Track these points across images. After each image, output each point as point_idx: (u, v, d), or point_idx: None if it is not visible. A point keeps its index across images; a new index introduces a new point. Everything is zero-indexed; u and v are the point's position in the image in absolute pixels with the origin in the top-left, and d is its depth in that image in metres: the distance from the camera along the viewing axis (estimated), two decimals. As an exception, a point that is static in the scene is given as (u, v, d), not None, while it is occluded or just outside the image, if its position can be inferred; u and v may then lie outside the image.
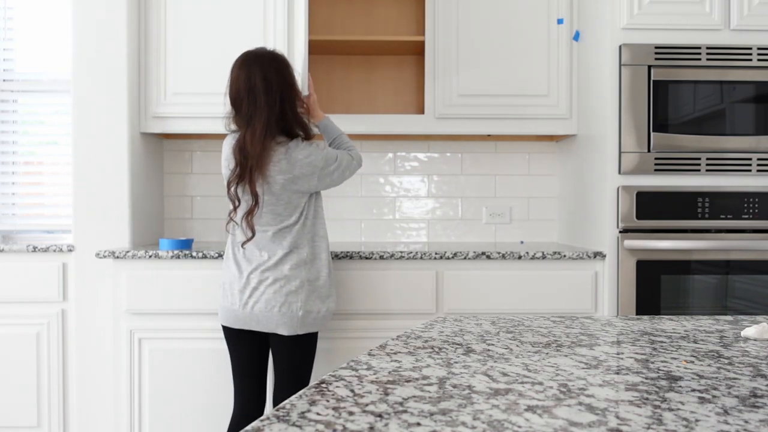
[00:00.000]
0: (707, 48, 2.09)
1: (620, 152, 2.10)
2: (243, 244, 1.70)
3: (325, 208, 2.71)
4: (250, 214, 1.66)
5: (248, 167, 1.63)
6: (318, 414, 0.55)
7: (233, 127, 1.74)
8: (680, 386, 0.64)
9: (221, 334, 2.08)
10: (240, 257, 1.73)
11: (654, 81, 2.08)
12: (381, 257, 2.10)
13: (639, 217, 2.09)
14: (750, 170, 2.10)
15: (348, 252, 2.10)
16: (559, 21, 2.40)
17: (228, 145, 1.74)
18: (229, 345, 1.80)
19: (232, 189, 1.67)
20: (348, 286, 2.10)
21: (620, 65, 2.10)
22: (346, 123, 2.40)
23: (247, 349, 1.78)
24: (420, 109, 2.64)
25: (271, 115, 1.65)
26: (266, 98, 1.64)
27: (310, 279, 1.72)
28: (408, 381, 0.66)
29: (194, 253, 2.07)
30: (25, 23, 2.66)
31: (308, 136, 1.75)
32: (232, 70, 1.71)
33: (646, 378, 0.67)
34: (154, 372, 2.09)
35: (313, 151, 1.71)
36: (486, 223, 2.72)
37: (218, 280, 2.08)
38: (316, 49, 2.55)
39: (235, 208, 1.70)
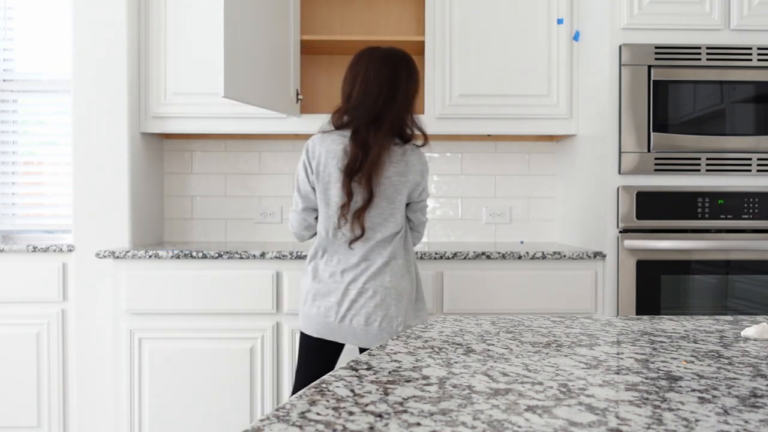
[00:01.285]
0: (707, 48, 2.09)
1: (620, 152, 2.10)
2: (351, 243, 1.61)
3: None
4: (362, 210, 1.58)
5: (367, 163, 1.56)
6: (318, 414, 0.55)
7: (345, 119, 1.64)
8: (680, 386, 0.64)
9: (221, 334, 2.09)
10: (334, 264, 1.64)
11: (654, 81, 2.08)
12: (381, 257, 2.09)
13: (639, 217, 2.09)
14: (750, 170, 2.10)
15: (348, 252, 2.09)
16: (559, 21, 2.40)
17: (336, 141, 1.62)
18: (308, 353, 1.68)
19: (349, 183, 1.58)
20: (348, 286, 2.10)
21: (620, 65, 2.10)
22: (346, 123, 2.40)
23: (327, 359, 1.68)
24: (420, 109, 2.63)
25: (399, 115, 1.63)
26: (399, 97, 1.62)
27: (408, 292, 1.65)
28: (408, 381, 0.66)
29: (194, 253, 2.07)
30: (25, 23, 2.66)
31: (425, 142, 1.70)
32: (360, 64, 1.65)
33: (646, 378, 0.67)
34: (154, 372, 2.09)
35: (424, 160, 1.68)
36: (486, 223, 2.72)
37: (220, 281, 2.08)
38: (315, 49, 2.55)
39: (348, 203, 1.59)
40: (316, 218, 1.71)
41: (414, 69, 1.68)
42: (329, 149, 1.62)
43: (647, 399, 0.59)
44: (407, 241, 1.70)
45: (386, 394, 0.61)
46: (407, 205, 1.70)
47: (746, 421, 0.53)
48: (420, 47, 2.46)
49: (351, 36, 2.46)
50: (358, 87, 1.63)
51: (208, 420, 2.09)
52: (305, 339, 1.69)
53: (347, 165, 1.58)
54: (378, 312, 1.59)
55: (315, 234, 1.73)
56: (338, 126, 1.65)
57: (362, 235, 1.60)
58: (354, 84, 1.64)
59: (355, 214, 1.59)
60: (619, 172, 2.11)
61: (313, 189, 1.66)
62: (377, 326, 1.59)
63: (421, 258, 2.10)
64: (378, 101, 1.61)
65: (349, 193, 1.58)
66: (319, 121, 2.36)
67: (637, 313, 2.09)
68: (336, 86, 2.68)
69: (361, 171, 1.57)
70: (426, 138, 1.70)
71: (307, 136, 2.61)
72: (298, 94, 2.35)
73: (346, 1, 2.66)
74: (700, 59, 2.09)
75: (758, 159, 2.10)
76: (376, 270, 1.61)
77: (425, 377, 0.67)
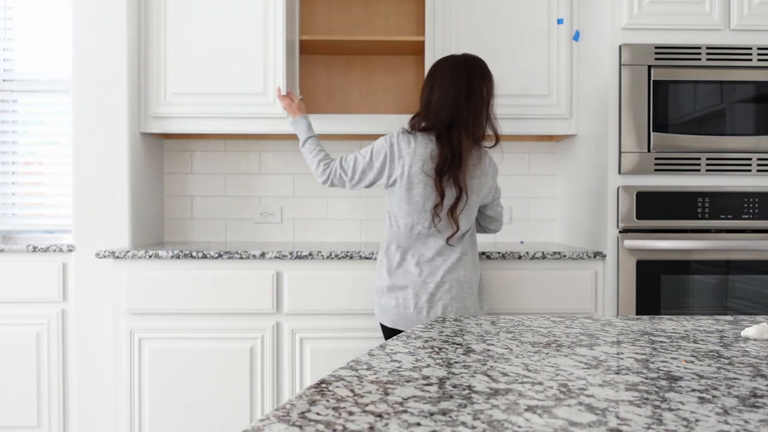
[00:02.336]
0: (707, 48, 2.09)
1: (620, 152, 2.10)
2: (448, 239, 1.71)
3: (325, 208, 2.72)
4: (454, 208, 1.69)
5: (454, 163, 1.67)
6: (318, 414, 0.55)
7: (425, 123, 1.73)
8: (680, 386, 0.64)
9: (221, 334, 2.09)
10: (411, 258, 1.73)
11: (654, 81, 2.08)
12: (381, 257, 2.09)
13: (639, 217, 2.09)
14: (750, 170, 2.10)
15: (348, 252, 2.10)
16: (559, 21, 2.40)
17: (422, 144, 1.70)
18: None
19: (443, 180, 1.68)
20: (348, 286, 2.10)
21: (620, 65, 2.10)
22: (346, 123, 2.40)
23: None
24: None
25: (477, 115, 1.70)
26: (475, 98, 1.70)
27: (478, 284, 1.78)
28: (408, 381, 0.65)
29: (194, 253, 2.07)
30: (25, 23, 2.66)
31: (496, 142, 1.78)
32: (437, 70, 1.75)
33: (646, 378, 0.67)
34: (154, 372, 2.09)
35: (495, 163, 1.79)
36: (486, 223, 2.72)
37: (220, 281, 2.08)
38: (315, 49, 2.55)
39: (441, 202, 1.68)
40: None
41: (487, 71, 1.76)
42: (416, 151, 1.70)
43: (647, 399, 0.59)
44: (475, 236, 1.83)
45: (386, 394, 0.61)
46: (483, 205, 1.83)
47: (746, 421, 0.53)
48: (420, 47, 2.46)
49: (351, 36, 2.45)
50: (438, 91, 1.71)
51: (208, 420, 2.09)
52: (385, 330, 1.82)
53: (438, 165, 1.67)
54: (454, 304, 1.71)
55: (327, 183, 1.85)
56: (420, 129, 1.74)
57: (457, 230, 1.70)
58: (432, 89, 1.73)
59: (449, 211, 1.69)
60: (619, 172, 2.11)
61: (375, 180, 1.77)
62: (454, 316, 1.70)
63: (421, 258, 2.10)
64: (457, 103, 1.69)
65: (441, 193, 1.67)
66: (320, 120, 2.37)
67: (637, 313, 2.09)
68: (336, 86, 2.68)
69: (450, 171, 1.67)
70: (497, 138, 1.77)
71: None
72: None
73: (346, 1, 2.66)
74: (700, 59, 2.09)
75: (758, 159, 2.10)
76: (452, 264, 1.72)
77: (425, 377, 0.67)
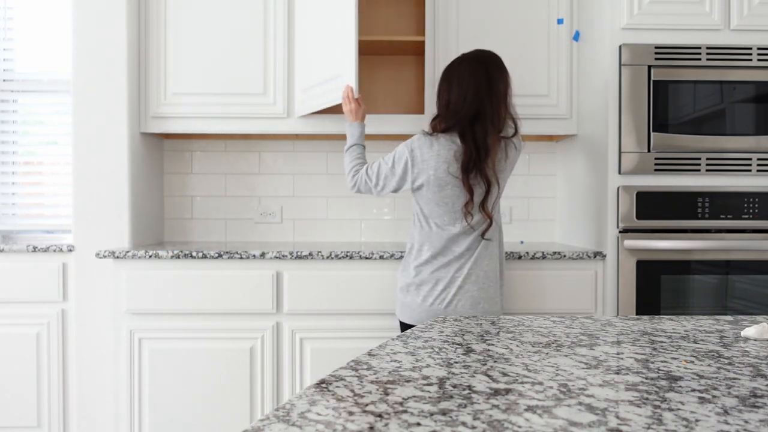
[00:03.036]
0: (707, 48, 2.09)
1: (620, 152, 2.10)
2: (483, 234, 1.72)
3: (325, 208, 2.71)
4: (485, 201, 1.70)
5: (480, 158, 1.67)
6: (318, 414, 0.55)
7: (446, 124, 1.73)
8: (680, 386, 0.64)
9: (221, 334, 2.09)
10: (440, 255, 1.74)
11: (654, 81, 2.08)
12: (381, 257, 2.09)
13: (639, 217, 2.09)
14: (750, 170, 2.10)
15: (348, 252, 2.09)
16: (559, 21, 2.40)
17: (445, 146, 1.71)
18: None
19: (471, 175, 1.69)
20: (348, 286, 2.10)
21: (620, 65, 2.10)
22: (346, 123, 2.40)
23: None
24: (420, 109, 2.64)
25: (498, 108, 1.71)
26: (495, 91, 1.70)
27: (502, 274, 1.80)
28: (408, 381, 0.65)
29: (194, 253, 2.07)
30: (25, 23, 2.66)
31: (515, 133, 1.78)
32: (452, 71, 1.75)
33: (646, 378, 0.67)
34: (154, 372, 2.09)
35: (519, 148, 1.79)
36: (486, 223, 2.72)
37: (220, 281, 2.08)
38: None
39: (471, 199, 1.69)
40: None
41: (502, 64, 1.77)
42: (440, 154, 1.71)
43: (647, 399, 0.59)
44: (501, 227, 1.83)
45: (386, 394, 0.61)
46: None
47: (746, 421, 0.53)
48: (420, 47, 2.46)
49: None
50: (456, 89, 1.72)
51: (208, 420, 2.09)
52: (405, 327, 1.81)
53: (463, 164, 1.67)
54: (481, 295, 1.72)
55: (354, 189, 1.88)
56: (442, 131, 1.73)
57: (491, 223, 1.72)
58: (451, 88, 1.73)
59: (480, 206, 1.71)
60: (619, 172, 2.11)
61: (399, 186, 1.79)
62: (481, 308, 1.72)
63: (421, 258, 2.10)
64: (478, 96, 1.69)
65: (470, 191, 1.68)
66: (317, 120, 2.37)
67: (637, 313, 2.09)
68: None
69: (476, 167, 1.67)
70: (517, 130, 1.78)
71: (306, 136, 2.61)
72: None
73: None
74: (700, 59, 2.09)
75: (758, 159, 2.10)
76: (478, 256, 1.73)
77: (425, 377, 0.67)
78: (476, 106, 1.69)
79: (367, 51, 2.60)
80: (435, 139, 1.72)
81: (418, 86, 2.67)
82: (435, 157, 1.71)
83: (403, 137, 2.64)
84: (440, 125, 1.74)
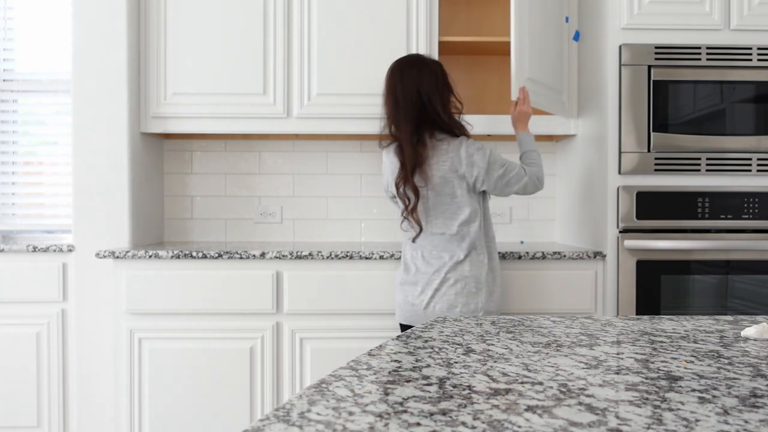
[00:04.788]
0: (707, 48, 2.09)
1: (620, 152, 2.10)
2: (414, 239, 1.78)
3: (325, 208, 2.71)
4: (413, 210, 1.74)
5: (407, 167, 1.72)
6: (318, 414, 0.55)
7: (391, 131, 1.79)
8: (680, 386, 0.64)
9: (221, 334, 2.09)
10: (418, 259, 1.78)
11: (654, 81, 2.08)
12: (381, 257, 2.09)
13: (639, 217, 2.09)
14: (750, 170, 2.10)
15: (348, 252, 2.09)
16: (566, 20, 2.38)
17: (391, 155, 1.80)
18: None
19: (401, 189, 1.75)
20: (348, 286, 2.10)
21: (620, 65, 2.10)
22: (346, 124, 2.40)
23: None
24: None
25: (435, 113, 1.73)
26: (428, 97, 1.73)
27: (488, 280, 1.77)
28: (408, 381, 0.65)
29: (194, 253, 2.07)
30: (25, 23, 2.66)
31: (462, 134, 1.78)
32: (388, 80, 1.79)
33: (646, 378, 0.67)
34: (154, 372, 2.09)
35: (476, 151, 1.74)
36: (486, 223, 2.72)
37: (220, 281, 2.08)
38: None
39: (406, 207, 1.76)
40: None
41: (421, 62, 1.78)
42: (389, 163, 1.81)
43: (647, 399, 0.59)
44: (488, 230, 1.82)
45: (386, 394, 0.61)
46: (484, 192, 1.81)
47: (746, 421, 0.53)
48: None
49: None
50: (391, 101, 1.76)
51: (208, 420, 2.09)
52: (402, 328, 1.86)
53: (397, 176, 1.76)
54: (459, 299, 1.72)
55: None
56: (392, 140, 1.80)
57: (420, 231, 1.76)
58: (389, 98, 1.78)
59: (409, 212, 1.76)
60: (619, 172, 2.11)
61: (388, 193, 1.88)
62: (458, 311, 1.72)
63: (421, 258, 2.10)
64: (416, 105, 1.73)
65: (402, 197, 1.75)
66: (317, 120, 2.36)
67: (637, 313, 2.09)
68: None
69: (407, 176, 1.72)
70: (462, 131, 1.79)
71: (306, 137, 2.61)
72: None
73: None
74: (700, 59, 2.09)
75: (758, 159, 2.10)
76: (457, 260, 1.74)
77: (425, 377, 0.67)
78: (414, 115, 1.73)
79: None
80: (389, 150, 1.84)
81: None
82: (389, 164, 1.84)
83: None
84: (389, 135, 1.81)
